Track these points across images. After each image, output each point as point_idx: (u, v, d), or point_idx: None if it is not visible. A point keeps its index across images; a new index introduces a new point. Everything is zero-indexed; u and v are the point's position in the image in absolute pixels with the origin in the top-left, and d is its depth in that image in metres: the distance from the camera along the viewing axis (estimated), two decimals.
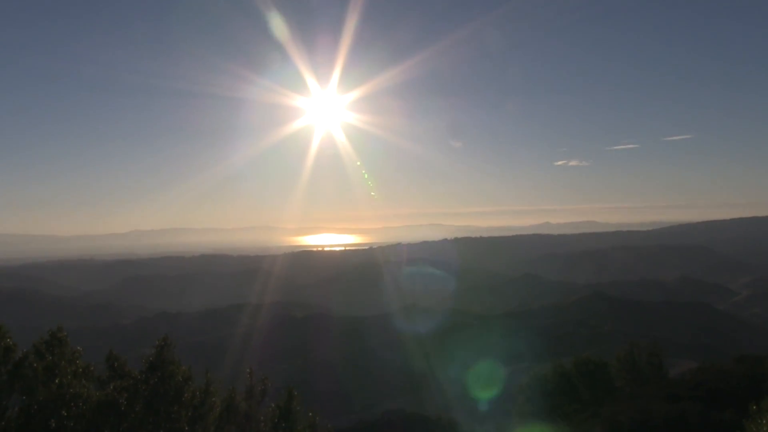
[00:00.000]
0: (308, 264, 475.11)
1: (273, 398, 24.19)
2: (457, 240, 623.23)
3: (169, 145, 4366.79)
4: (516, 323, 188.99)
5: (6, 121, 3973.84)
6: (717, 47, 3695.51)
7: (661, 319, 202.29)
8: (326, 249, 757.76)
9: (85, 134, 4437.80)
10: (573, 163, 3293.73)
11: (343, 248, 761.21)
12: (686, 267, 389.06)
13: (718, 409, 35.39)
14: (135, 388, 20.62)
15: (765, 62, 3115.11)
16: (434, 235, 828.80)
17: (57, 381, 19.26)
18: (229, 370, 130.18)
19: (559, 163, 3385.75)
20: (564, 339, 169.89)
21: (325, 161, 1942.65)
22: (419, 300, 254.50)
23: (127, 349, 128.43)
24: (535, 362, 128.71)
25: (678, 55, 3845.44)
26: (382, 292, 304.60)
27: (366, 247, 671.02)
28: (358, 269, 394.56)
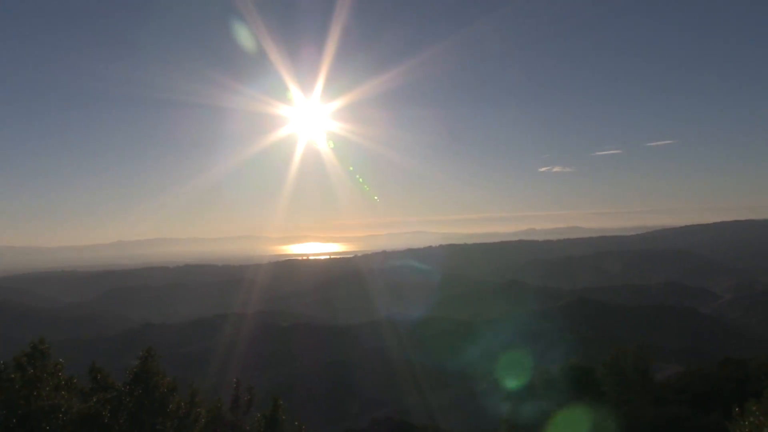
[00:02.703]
0: (292, 273, 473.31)
1: (258, 407, 24.04)
2: (441, 247, 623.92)
3: (152, 155, 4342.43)
4: (501, 330, 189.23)
5: None
6: (699, 54, 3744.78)
7: (647, 323, 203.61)
8: (311, 258, 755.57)
9: (68, 145, 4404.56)
10: (557, 169, 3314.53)
11: (327, 257, 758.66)
12: (670, 271, 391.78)
13: (704, 412, 35.56)
14: (119, 400, 20.38)
15: (746, 69, 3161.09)
16: (419, 242, 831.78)
17: (36, 393, 18.96)
18: (214, 379, 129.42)
19: (543, 169, 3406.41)
20: (550, 345, 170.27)
21: (309, 170, 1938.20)
22: (404, 308, 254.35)
23: (112, 360, 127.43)
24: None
25: (660, 62, 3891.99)
26: (367, 301, 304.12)
27: (351, 256, 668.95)
28: (343, 278, 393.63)
